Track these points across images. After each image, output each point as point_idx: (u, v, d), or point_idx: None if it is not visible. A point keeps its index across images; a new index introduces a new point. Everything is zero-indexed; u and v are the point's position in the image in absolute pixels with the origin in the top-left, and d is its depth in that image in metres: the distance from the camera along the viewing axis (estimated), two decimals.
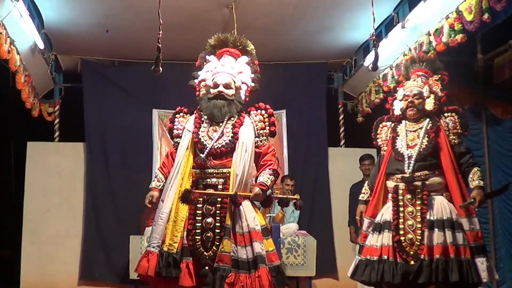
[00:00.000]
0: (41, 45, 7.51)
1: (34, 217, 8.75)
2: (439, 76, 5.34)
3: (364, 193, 5.49)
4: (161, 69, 5.24)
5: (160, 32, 5.17)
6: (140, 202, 8.10)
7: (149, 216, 7.84)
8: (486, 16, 5.49)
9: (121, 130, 9.04)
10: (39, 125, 9.13)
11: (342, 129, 9.78)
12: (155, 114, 9.05)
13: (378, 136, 5.47)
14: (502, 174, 7.45)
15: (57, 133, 9.26)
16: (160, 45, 5.17)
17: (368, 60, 7.87)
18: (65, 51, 8.80)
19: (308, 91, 9.48)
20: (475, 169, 5.03)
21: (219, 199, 4.70)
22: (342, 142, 9.72)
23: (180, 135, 4.99)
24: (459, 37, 6.04)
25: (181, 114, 5.11)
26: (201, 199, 4.71)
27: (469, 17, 5.71)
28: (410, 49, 7.19)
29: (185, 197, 4.63)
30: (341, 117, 9.81)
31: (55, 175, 8.97)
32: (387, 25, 7.49)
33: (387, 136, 5.37)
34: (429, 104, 5.19)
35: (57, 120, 9.30)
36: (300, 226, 8.31)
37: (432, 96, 5.20)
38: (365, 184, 5.56)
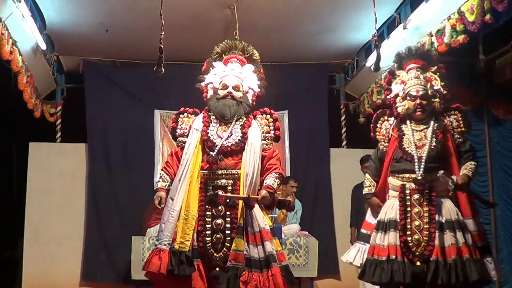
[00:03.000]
0: (43, 46, 7.52)
1: (36, 217, 8.76)
2: (435, 67, 5.29)
3: (370, 186, 5.36)
4: (163, 69, 5.25)
5: (162, 33, 5.18)
6: (142, 202, 8.24)
7: (150, 217, 7.86)
8: (488, 16, 5.48)
9: (123, 130, 9.04)
10: (41, 125, 9.14)
11: (344, 130, 9.77)
12: (157, 115, 9.03)
13: (377, 129, 5.39)
14: (503, 175, 7.46)
15: (59, 134, 9.28)
16: (162, 46, 5.18)
17: (370, 61, 7.86)
18: (67, 52, 8.81)
19: (310, 92, 9.49)
20: (470, 162, 5.06)
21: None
22: (344, 143, 9.71)
23: (186, 134, 4.98)
24: (461, 37, 6.03)
25: (186, 114, 5.10)
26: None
27: (471, 18, 5.70)
28: None
29: (213, 200, 4.66)
30: (343, 118, 9.81)
31: (57, 176, 8.98)
32: (389, 26, 7.48)
33: (388, 132, 5.30)
34: (436, 104, 5.15)
35: (59, 121, 9.32)
36: (302, 227, 8.32)
37: (436, 95, 5.15)
38: (368, 177, 5.41)
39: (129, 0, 7.04)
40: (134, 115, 9.05)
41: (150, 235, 7.68)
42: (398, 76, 5.29)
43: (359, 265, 5.28)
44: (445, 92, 5.21)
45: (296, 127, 9.29)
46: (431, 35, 6.60)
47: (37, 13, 7.10)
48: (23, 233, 8.74)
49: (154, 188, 8.23)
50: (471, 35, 6.02)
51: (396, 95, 5.27)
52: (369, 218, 5.33)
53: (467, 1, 5.79)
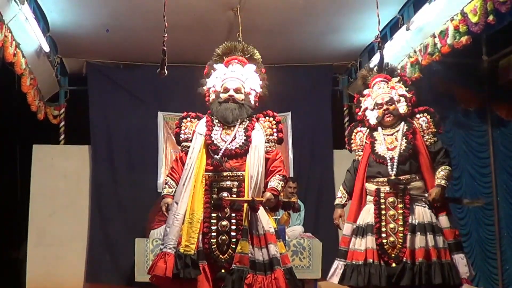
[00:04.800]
0: (46, 48, 7.53)
1: (40, 219, 8.77)
2: (398, 78, 5.42)
3: (341, 197, 5.51)
4: (166, 71, 5.25)
5: (166, 35, 5.18)
6: (145, 204, 8.25)
7: (154, 219, 7.86)
8: (491, 18, 5.49)
9: (126, 132, 9.05)
10: (45, 128, 9.15)
11: (347, 131, 9.74)
12: (160, 117, 9.06)
13: (352, 141, 5.57)
14: (507, 176, 7.45)
15: (62, 136, 9.27)
16: (165, 48, 5.18)
17: (373, 62, 7.85)
18: (70, 54, 8.82)
19: (313, 94, 9.49)
20: (443, 167, 5.13)
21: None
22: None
23: (189, 139, 4.97)
24: (464, 39, 6.04)
25: (188, 119, 5.09)
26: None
27: (474, 19, 5.71)
28: (415, 51, 7.19)
29: (218, 204, 4.65)
30: (346, 119, 9.79)
31: (61, 178, 8.98)
32: (392, 27, 7.49)
33: (362, 142, 5.45)
34: (402, 108, 5.27)
35: (62, 123, 9.31)
36: (306, 229, 8.32)
37: (402, 99, 5.28)
38: (341, 188, 5.57)
39: (133, 2, 7.05)
40: (138, 117, 9.06)
41: (153, 237, 7.68)
42: (365, 94, 5.48)
43: (337, 282, 5.28)
44: (410, 95, 5.34)
45: (299, 129, 9.31)
46: (434, 36, 6.61)
47: (40, 16, 7.11)
48: (27, 235, 8.75)
49: (158, 190, 8.37)
50: (474, 36, 6.03)
51: (366, 109, 5.43)
52: (347, 231, 5.32)
53: (470, 2, 5.80)
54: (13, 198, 9.59)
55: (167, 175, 5.09)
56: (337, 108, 9.75)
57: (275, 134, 5.00)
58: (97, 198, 8.87)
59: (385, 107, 5.24)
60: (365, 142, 5.40)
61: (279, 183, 4.82)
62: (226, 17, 7.37)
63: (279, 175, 4.87)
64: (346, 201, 5.49)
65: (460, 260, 5.02)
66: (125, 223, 8.70)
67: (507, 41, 6.82)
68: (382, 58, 5.79)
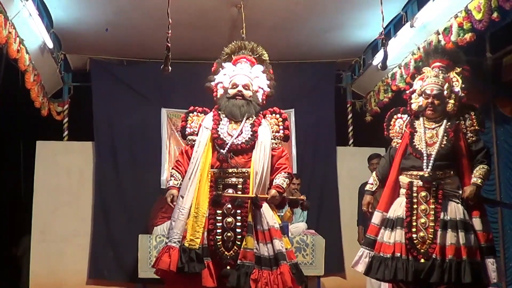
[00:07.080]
0: (50, 45, 7.54)
1: (43, 215, 8.78)
2: (460, 69, 5.22)
3: (372, 183, 5.40)
4: (170, 68, 5.26)
5: (169, 31, 5.19)
6: (149, 201, 8.26)
7: (157, 216, 7.87)
8: (495, 15, 5.48)
9: (129, 129, 9.05)
10: (48, 124, 9.17)
11: (350, 128, 9.76)
12: (164, 113, 9.05)
13: (390, 127, 5.39)
14: (511, 173, 7.43)
15: (66, 132, 9.28)
16: (169, 44, 5.19)
17: (377, 59, 7.86)
18: (74, 50, 8.82)
19: (317, 90, 9.48)
20: (480, 166, 5.02)
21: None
22: (351, 141, 9.70)
23: (195, 132, 5.00)
24: (468, 36, 6.03)
25: (195, 113, 5.12)
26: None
27: (478, 16, 5.70)
28: (419, 48, 7.18)
29: (217, 201, 4.68)
30: (350, 116, 9.79)
31: (64, 174, 8.99)
32: (396, 24, 7.48)
33: (401, 129, 5.30)
34: (449, 106, 5.11)
35: (66, 119, 9.32)
36: (309, 225, 8.31)
37: (453, 96, 5.11)
38: (373, 174, 5.47)
39: None
40: (141, 113, 9.06)
41: (157, 233, 7.69)
42: (423, 72, 5.26)
43: (361, 271, 5.22)
44: (462, 95, 5.17)
45: (302, 126, 9.29)
46: (438, 33, 6.60)
47: (44, 12, 7.12)
48: (31, 231, 8.77)
49: (161, 186, 8.39)
50: (478, 33, 6.03)
51: (413, 91, 5.27)
52: (376, 220, 5.26)
53: None
54: (16, 194, 9.63)
55: (172, 168, 5.10)
56: (340, 105, 9.74)
57: (281, 131, 5.01)
58: (100, 194, 8.88)
59: (431, 99, 5.07)
60: (405, 131, 5.26)
61: (284, 181, 4.84)
62: (230, 13, 7.36)
63: (285, 172, 4.88)
64: (376, 188, 5.37)
65: (490, 265, 4.93)
66: (128, 219, 8.71)
67: (511, 38, 6.80)
68: (386, 55, 5.79)
